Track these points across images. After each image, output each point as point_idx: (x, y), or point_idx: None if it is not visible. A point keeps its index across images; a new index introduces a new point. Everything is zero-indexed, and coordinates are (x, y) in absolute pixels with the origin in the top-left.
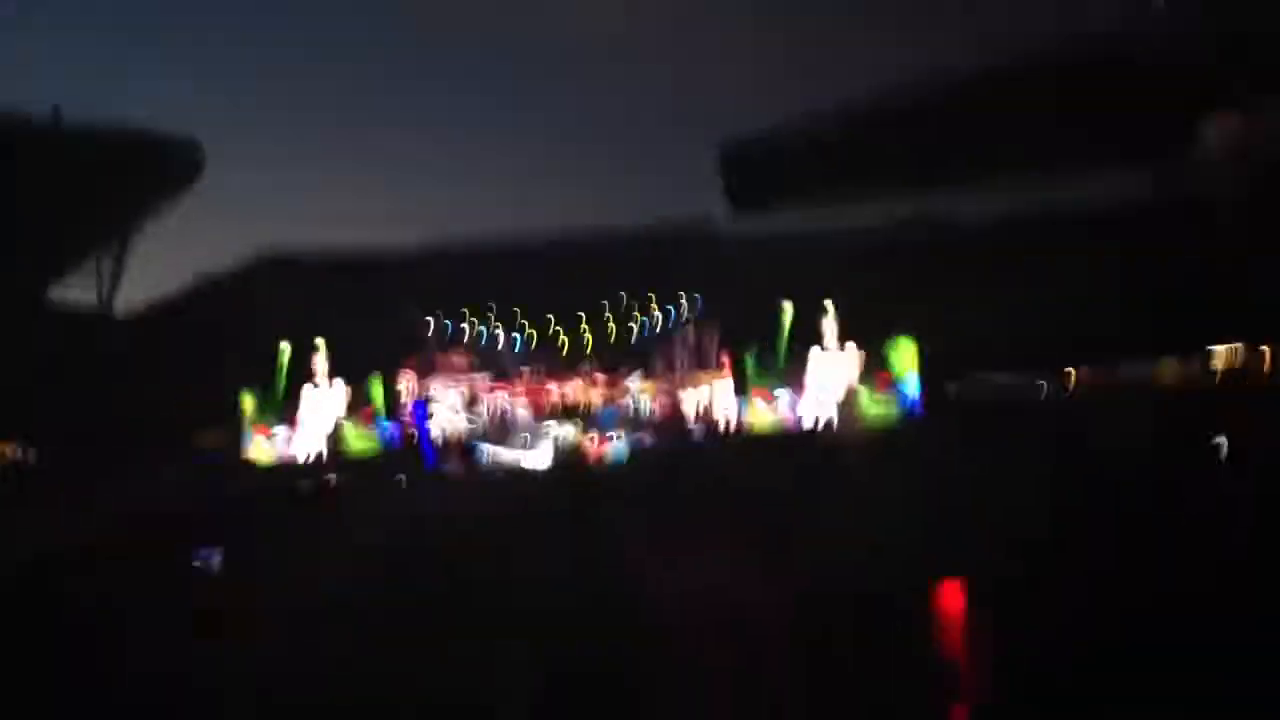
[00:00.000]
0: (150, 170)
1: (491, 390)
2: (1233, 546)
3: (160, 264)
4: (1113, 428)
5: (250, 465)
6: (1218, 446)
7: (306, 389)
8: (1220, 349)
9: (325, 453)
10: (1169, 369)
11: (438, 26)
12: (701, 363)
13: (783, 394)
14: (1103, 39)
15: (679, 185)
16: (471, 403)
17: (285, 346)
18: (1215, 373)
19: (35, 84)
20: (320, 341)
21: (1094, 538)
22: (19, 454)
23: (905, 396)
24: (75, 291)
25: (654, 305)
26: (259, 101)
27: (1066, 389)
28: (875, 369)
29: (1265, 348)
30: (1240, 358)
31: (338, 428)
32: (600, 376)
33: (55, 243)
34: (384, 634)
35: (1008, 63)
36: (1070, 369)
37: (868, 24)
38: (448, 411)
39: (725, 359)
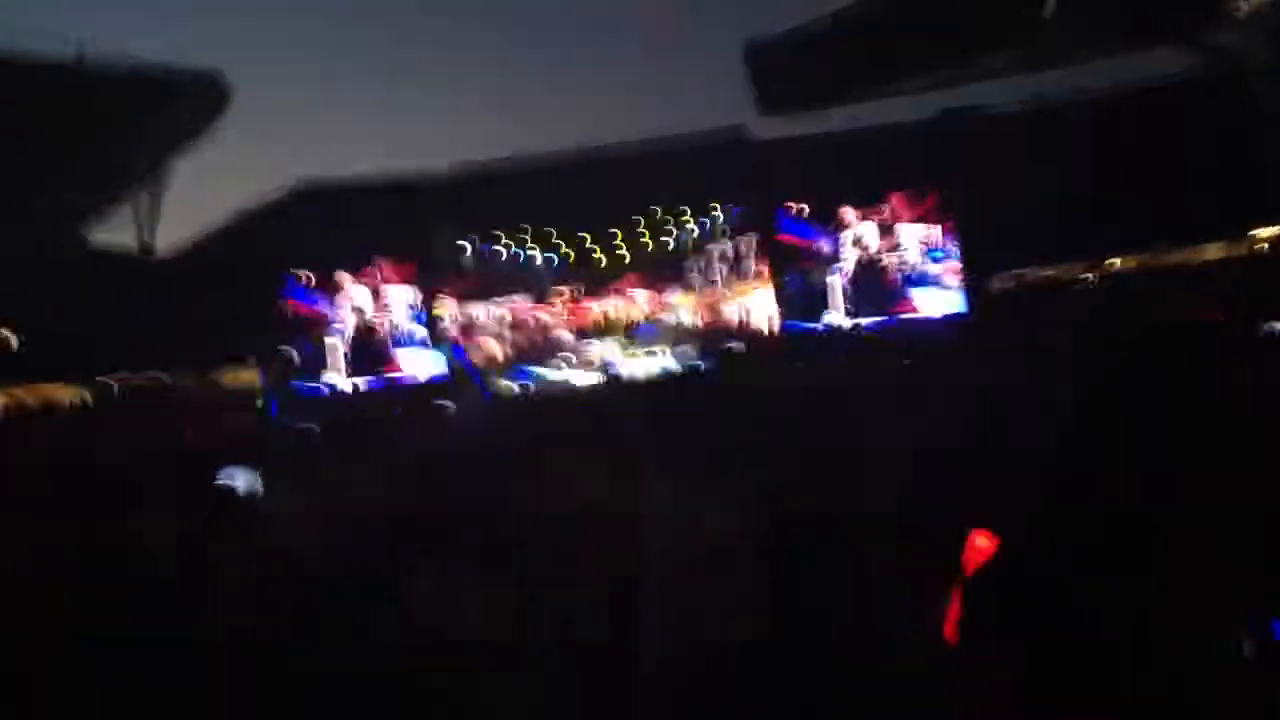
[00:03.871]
0: (176, 104)
1: (531, 312)
2: None
3: (194, 202)
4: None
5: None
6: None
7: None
8: (1265, 231)
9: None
10: (1214, 252)
11: None
12: (741, 273)
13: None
14: None
15: (707, 91)
16: (513, 326)
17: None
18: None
19: (56, 22)
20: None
21: None
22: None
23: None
24: (112, 234)
25: (689, 217)
26: (282, 31)
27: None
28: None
29: None
30: None
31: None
32: (639, 292)
33: (87, 186)
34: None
35: None
36: (1112, 258)
37: None
38: (488, 335)
39: (765, 268)
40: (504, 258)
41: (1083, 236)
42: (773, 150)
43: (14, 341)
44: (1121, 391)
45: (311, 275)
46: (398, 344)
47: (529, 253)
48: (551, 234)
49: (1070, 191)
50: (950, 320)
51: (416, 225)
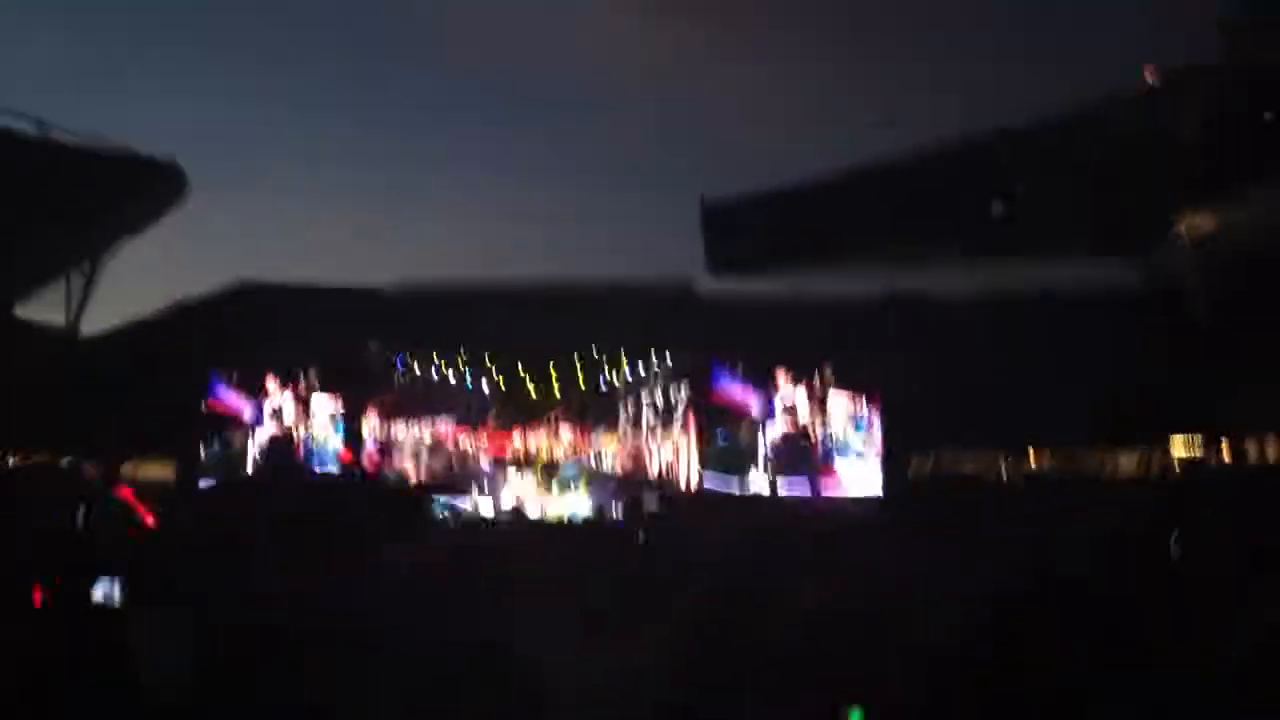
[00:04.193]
0: (130, 192)
1: (453, 436)
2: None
3: (132, 289)
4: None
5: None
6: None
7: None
8: (1179, 439)
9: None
10: (1129, 459)
11: (420, 66)
12: (669, 423)
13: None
14: (1089, 117)
15: (658, 242)
16: (431, 448)
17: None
18: (1173, 463)
19: (20, 96)
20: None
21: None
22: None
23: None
24: (42, 308)
25: (624, 360)
26: (240, 131)
27: (1028, 473)
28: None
29: (1224, 440)
30: (1198, 450)
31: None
32: (565, 428)
33: (25, 256)
34: None
35: (988, 138)
36: (1031, 451)
37: (851, 91)
38: (408, 456)
39: (693, 421)
40: (435, 378)
41: (1005, 429)
42: (716, 307)
43: None
44: (1021, 598)
45: (238, 375)
46: (314, 456)
47: (460, 376)
48: (485, 360)
49: (999, 383)
50: (866, 498)
51: (351, 337)
